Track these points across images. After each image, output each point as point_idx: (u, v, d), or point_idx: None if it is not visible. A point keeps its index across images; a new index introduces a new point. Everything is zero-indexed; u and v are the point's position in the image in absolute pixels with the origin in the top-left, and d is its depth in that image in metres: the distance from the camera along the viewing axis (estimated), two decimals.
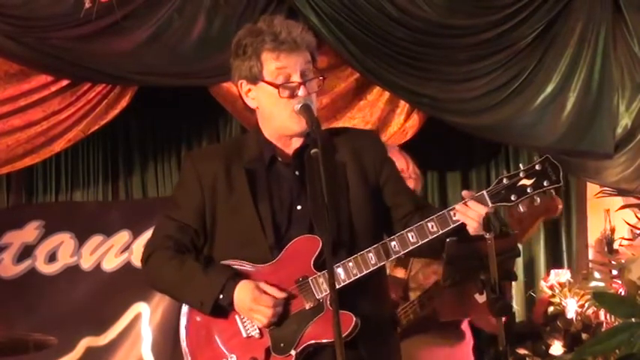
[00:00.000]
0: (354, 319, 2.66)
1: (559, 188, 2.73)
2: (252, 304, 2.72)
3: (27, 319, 4.75)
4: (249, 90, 2.82)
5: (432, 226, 2.70)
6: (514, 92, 5.05)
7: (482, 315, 3.61)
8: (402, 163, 3.78)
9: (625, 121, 5.15)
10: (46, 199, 5.22)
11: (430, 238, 2.70)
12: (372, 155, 2.87)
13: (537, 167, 2.69)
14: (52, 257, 4.93)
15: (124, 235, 4.99)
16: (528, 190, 2.68)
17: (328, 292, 2.69)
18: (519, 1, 4.95)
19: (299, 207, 2.79)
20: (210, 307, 2.75)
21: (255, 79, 2.79)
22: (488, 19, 4.98)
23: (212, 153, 3.05)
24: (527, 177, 2.69)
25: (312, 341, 2.71)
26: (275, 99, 2.77)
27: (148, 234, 4.94)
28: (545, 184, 2.68)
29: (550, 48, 5.07)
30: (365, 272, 2.71)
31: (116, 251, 4.97)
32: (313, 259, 2.73)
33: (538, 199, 2.70)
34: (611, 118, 5.09)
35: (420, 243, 2.70)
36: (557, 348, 4.81)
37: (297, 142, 2.82)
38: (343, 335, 2.55)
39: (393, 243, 2.72)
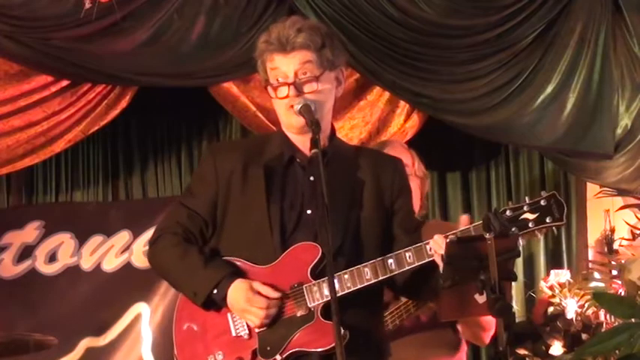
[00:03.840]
0: (342, 330, 2.63)
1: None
2: (246, 305, 2.72)
3: (27, 319, 4.74)
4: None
5: (430, 249, 2.73)
6: (514, 92, 5.05)
7: (472, 327, 3.61)
8: (407, 159, 3.73)
9: (625, 122, 5.15)
10: (46, 199, 5.23)
11: (427, 259, 2.72)
12: (391, 181, 2.89)
13: (542, 202, 2.70)
14: (52, 257, 4.93)
15: (124, 236, 4.99)
16: (530, 224, 2.69)
17: (320, 301, 2.71)
18: (519, 2, 4.95)
19: (309, 211, 2.80)
20: (203, 300, 2.76)
21: (265, 81, 2.85)
22: (488, 20, 4.98)
23: (234, 147, 3.12)
24: (530, 211, 2.69)
25: (299, 349, 2.72)
26: (274, 100, 2.83)
27: (148, 234, 4.97)
28: (547, 220, 2.69)
29: (550, 48, 5.07)
30: (359, 286, 2.72)
31: (116, 251, 4.97)
32: (311, 266, 2.74)
33: (539, 235, 2.72)
34: (611, 118, 5.09)
35: (417, 264, 2.73)
36: (557, 348, 4.80)
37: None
38: (329, 347, 2.60)
39: (390, 261, 2.73)
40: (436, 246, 2.71)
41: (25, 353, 3.69)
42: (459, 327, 3.66)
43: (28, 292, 4.86)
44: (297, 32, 2.77)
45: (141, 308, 4.90)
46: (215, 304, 2.78)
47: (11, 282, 4.89)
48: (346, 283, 2.71)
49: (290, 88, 2.77)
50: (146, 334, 4.90)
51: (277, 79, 2.80)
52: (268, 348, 2.73)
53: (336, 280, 2.67)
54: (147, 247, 4.82)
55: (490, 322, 3.65)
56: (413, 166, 3.74)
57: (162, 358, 4.86)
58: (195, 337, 2.81)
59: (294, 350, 2.72)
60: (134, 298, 4.90)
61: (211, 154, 2.95)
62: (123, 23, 4.59)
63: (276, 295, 2.72)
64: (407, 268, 2.73)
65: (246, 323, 2.77)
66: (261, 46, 2.82)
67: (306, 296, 2.73)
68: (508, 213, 2.70)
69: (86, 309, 4.86)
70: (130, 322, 4.89)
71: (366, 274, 2.71)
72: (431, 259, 2.72)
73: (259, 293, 2.72)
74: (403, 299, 3.54)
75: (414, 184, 3.67)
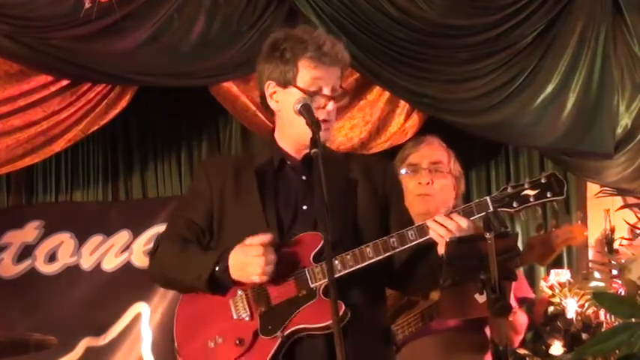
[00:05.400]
0: (344, 307, 2.68)
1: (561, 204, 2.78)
2: (244, 258, 2.72)
3: (27, 319, 4.75)
4: (275, 92, 2.88)
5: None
6: (514, 92, 5.05)
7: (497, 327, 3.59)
8: (444, 156, 3.69)
9: (625, 121, 5.15)
10: (46, 199, 5.22)
11: (429, 235, 2.76)
12: (382, 177, 2.96)
13: (543, 180, 2.78)
14: (52, 257, 4.94)
15: (124, 235, 4.99)
16: (531, 199, 2.77)
17: (323, 281, 2.74)
18: (519, 2, 4.95)
19: (305, 207, 2.85)
20: (207, 278, 2.77)
21: (287, 83, 2.84)
22: (488, 19, 4.98)
23: (224, 161, 3.20)
24: (531, 188, 2.78)
25: (301, 326, 2.74)
26: (286, 105, 2.85)
27: (148, 234, 4.98)
28: (548, 195, 2.77)
29: (550, 48, 5.07)
30: (361, 265, 2.75)
31: (116, 251, 4.97)
32: (313, 253, 2.78)
33: (540, 210, 2.78)
34: (611, 118, 5.09)
35: (420, 240, 2.77)
36: (557, 348, 4.80)
37: (307, 150, 2.84)
38: (329, 322, 2.60)
39: (392, 239, 2.78)
40: (435, 225, 2.75)
41: (25, 353, 3.69)
42: (487, 330, 3.64)
43: (28, 292, 4.86)
44: (333, 46, 2.84)
45: (141, 308, 4.90)
46: (219, 283, 2.78)
47: (11, 282, 4.90)
48: (348, 262, 2.75)
49: (330, 102, 2.85)
50: (146, 334, 4.90)
51: (320, 90, 2.83)
52: (270, 327, 2.76)
53: (338, 262, 2.73)
54: (147, 247, 4.93)
55: (522, 325, 3.66)
56: (448, 164, 3.70)
57: (162, 357, 4.86)
58: (196, 327, 2.83)
59: (296, 328, 2.74)
60: (134, 298, 4.90)
61: (202, 169, 3.01)
62: (123, 23, 4.59)
63: (267, 238, 2.72)
64: (409, 245, 2.77)
65: (248, 306, 2.78)
66: (305, 51, 2.81)
67: (309, 278, 2.77)
68: (510, 189, 2.78)
69: (86, 309, 4.87)
70: (130, 322, 4.90)
71: (369, 253, 2.76)
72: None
73: (252, 244, 2.73)
74: (435, 298, 3.53)
75: (449, 183, 3.67)
